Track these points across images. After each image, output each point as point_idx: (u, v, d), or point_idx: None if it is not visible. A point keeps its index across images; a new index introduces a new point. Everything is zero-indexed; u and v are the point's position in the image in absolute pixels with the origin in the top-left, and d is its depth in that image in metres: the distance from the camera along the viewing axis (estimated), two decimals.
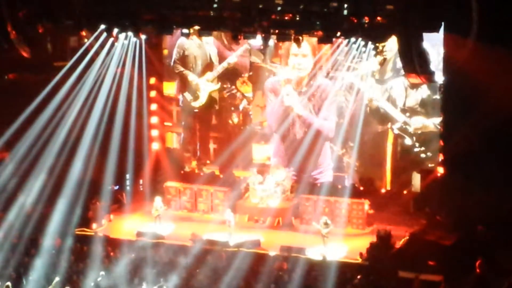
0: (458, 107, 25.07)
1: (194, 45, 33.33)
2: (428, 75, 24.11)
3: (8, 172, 30.04)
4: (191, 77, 33.56)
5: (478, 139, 24.33)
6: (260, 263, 25.42)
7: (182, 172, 33.85)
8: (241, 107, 33.54)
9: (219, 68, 33.25)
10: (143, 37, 30.00)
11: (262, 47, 30.54)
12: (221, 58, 33.17)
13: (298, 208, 30.32)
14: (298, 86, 31.36)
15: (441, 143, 27.17)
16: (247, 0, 26.39)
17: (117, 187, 32.23)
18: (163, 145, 34.41)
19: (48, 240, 27.06)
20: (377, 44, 26.20)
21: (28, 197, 29.42)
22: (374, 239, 26.76)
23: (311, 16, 25.32)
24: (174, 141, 34.81)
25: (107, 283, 23.78)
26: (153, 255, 26.10)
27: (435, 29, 24.10)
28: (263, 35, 26.66)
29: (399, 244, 26.91)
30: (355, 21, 24.79)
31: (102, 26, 28.39)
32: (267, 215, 30.27)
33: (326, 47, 30.14)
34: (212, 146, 34.36)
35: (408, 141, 30.28)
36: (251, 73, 32.92)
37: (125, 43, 30.67)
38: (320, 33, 25.82)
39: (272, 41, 28.68)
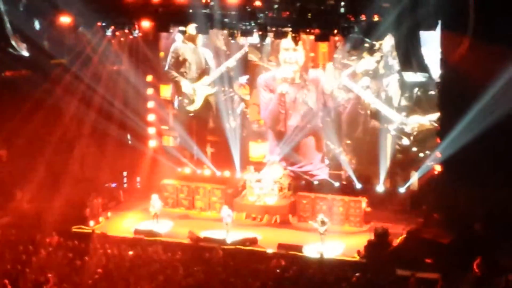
0: (454, 104, 25.07)
1: (189, 50, 33.01)
2: (424, 73, 24.12)
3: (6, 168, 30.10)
4: (185, 84, 33.30)
5: (475, 136, 24.31)
6: (257, 261, 25.40)
7: (179, 169, 33.85)
8: (238, 110, 33.37)
9: (216, 73, 32.97)
10: (140, 34, 29.97)
11: (259, 45, 30.67)
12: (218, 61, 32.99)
13: (295, 205, 30.35)
14: (292, 81, 31.37)
15: (438, 141, 27.19)
16: None
17: (114, 185, 32.27)
18: (160, 142, 34.36)
19: (45, 237, 27.02)
20: (374, 42, 26.22)
21: (25, 194, 29.43)
22: (371, 237, 26.78)
23: (308, 13, 25.33)
24: (170, 141, 34.66)
25: (105, 281, 23.74)
26: (150, 253, 26.08)
27: (432, 27, 24.11)
28: (260, 32, 26.64)
29: (396, 242, 26.92)
30: (352, 19, 24.80)
31: (99, 24, 28.36)
32: (264, 212, 30.33)
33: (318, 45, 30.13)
34: (209, 150, 34.20)
35: (405, 141, 30.23)
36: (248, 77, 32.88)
37: (122, 41, 30.68)
38: (317, 30, 25.82)
39: (269, 39, 28.70)
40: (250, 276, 23.65)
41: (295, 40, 26.77)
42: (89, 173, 30.82)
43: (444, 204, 26.59)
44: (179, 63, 33.33)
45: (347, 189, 30.47)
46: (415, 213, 28.92)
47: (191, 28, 29.22)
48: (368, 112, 30.60)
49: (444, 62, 25.02)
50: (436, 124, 28.53)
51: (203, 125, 34.03)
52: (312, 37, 27.58)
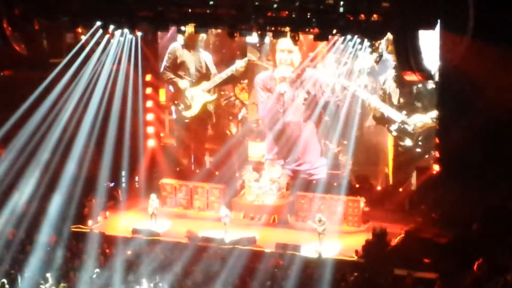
0: (454, 104, 25.07)
1: (188, 52, 32.92)
2: (423, 72, 24.11)
3: (3, 168, 30.02)
4: (182, 84, 33.11)
5: (474, 136, 24.32)
6: (255, 260, 25.42)
7: (177, 169, 33.79)
8: (240, 116, 33.23)
9: (216, 79, 32.73)
10: (139, 34, 29.94)
11: (258, 45, 30.64)
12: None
13: (294, 205, 30.33)
14: (290, 80, 31.35)
15: (437, 140, 27.20)
16: None
17: (112, 184, 32.22)
18: (159, 142, 34.30)
19: (44, 237, 27.02)
20: (373, 42, 26.20)
21: (23, 193, 29.39)
22: (369, 236, 26.78)
23: (307, 13, 25.32)
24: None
25: (103, 280, 23.75)
26: (148, 252, 26.08)
27: (431, 27, 24.10)
28: (259, 32, 26.64)
29: (394, 241, 26.92)
30: (351, 18, 24.80)
31: (98, 23, 28.35)
32: (262, 212, 30.31)
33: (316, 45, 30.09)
34: (208, 159, 34.03)
35: (408, 142, 30.12)
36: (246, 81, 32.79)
37: (121, 40, 30.66)
38: (316, 30, 25.81)
39: (268, 39, 28.69)
40: (248, 276, 23.68)
41: (294, 40, 26.72)
42: (87, 172, 30.74)
43: (443, 204, 26.59)
44: (177, 65, 33.13)
45: (345, 189, 30.40)
46: (413, 213, 28.91)
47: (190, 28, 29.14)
48: (366, 111, 30.58)
49: (444, 62, 25.02)
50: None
51: (201, 132, 33.80)
52: (310, 36, 27.54)
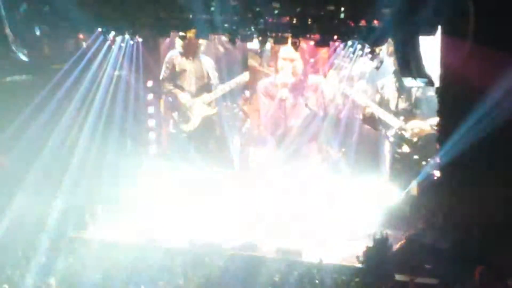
0: (454, 110, 25.04)
1: (187, 60, 32.61)
2: (424, 78, 24.10)
3: (4, 174, 30.09)
4: (183, 98, 32.85)
5: (475, 141, 24.30)
6: (256, 265, 25.40)
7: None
8: (244, 130, 33.20)
9: (218, 91, 32.60)
10: (140, 40, 29.96)
11: (259, 51, 30.67)
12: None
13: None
14: (292, 86, 31.37)
15: (438, 146, 27.17)
16: (244, 3, 26.38)
17: (114, 190, 32.15)
18: (160, 147, 34.25)
19: (45, 242, 27.02)
20: (374, 48, 26.21)
21: (25, 198, 29.41)
22: (370, 242, 26.75)
23: (308, 19, 25.33)
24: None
25: (104, 286, 23.74)
26: (150, 258, 26.07)
27: (432, 32, 24.11)
28: (260, 38, 26.66)
29: (395, 247, 26.91)
30: (352, 24, 24.81)
31: (99, 29, 28.38)
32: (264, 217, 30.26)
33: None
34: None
35: (405, 148, 30.12)
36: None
37: (122, 46, 30.70)
38: (317, 36, 25.83)
39: (269, 45, 28.72)
40: (250, 281, 23.68)
41: (295, 46, 26.75)
42: (89, 177, 30.75)
43: (444, 209, 26.56)
44: (176, 74, 32.84)
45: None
46: (415, 218, 28.87)
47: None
48: (363, 117, 30.58)
49: (444, 67, 25.02)
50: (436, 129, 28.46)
51: (202, 148, 33.47)
52: (311, 42, 27.57)
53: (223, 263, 25.56)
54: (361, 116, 30.58)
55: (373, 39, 25.14)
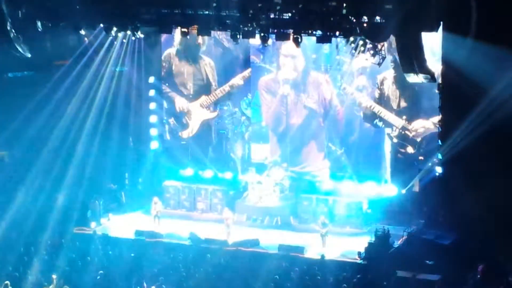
0: (456, 106, 25.03)
1: (186, 60, 32.43)
2: (427, 74, 24.07)
3: (7, 170, 30.13)
4: (180, 102, 32.64)
5: (476, 138, 24.29)
6: (258, 262, 25.42)
7: (181, 171, 33.78)
8: (246, 136, 33.04)
9: (217, 93, 32.33)
10: (142, 36, 29.90)
11: (261, 47, 30.60)
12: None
13: (297, 207, 30.36)
14: (293, 83, 31.35)
15: (440, 142, 27.14)
16: None
17: (116, 186, 32.25)
18: (162, 143, 34.29)
19: (47, 238, 27.04)
20: (376, 44, 26.16)
21: (27, 195, 29.45)
22: (372, 238, 26.77)
23: (310, 15, 25.26)
24: None
25: (106, 282, 23.75)
26: (151, 254, 26.10)
27: (434, 29, 24.07)
28: (262, 34, 26.64)
29: (397, 243, 26.94)
30: (354, 20, 24.77)
31: (101, 25, 28.38)
32: (265, 214, 30.31)
33: (319, 47, 30.07)
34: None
35: (410, 149, 30.02)
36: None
37: (124, 42, 30.71)
38: (319, 32, 25.80)
39: (271, 41, 28.67)
40: (251, 278, 23.68)
41: (297, 42, 26.69)
42: (90, 174, 30.79)
43: (446, 205, 26.57)
44: (172, 75, 32.71)
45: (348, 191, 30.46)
46: (416, 215, 28.88)
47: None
48: (364, 115, 30.55)
49: (446, 64, 25.00)
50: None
51: (201, 157, 33.23)
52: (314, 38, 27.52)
53: (225, 260, 25.56)
54: (361, 114, 30.56)
55: (375, 35, 25.08)
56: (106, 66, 31.06)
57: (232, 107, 32.76)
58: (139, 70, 32.21)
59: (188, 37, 28.05)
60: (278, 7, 25.71)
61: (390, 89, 30.03)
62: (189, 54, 32.40)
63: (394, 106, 30.05)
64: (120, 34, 29.65)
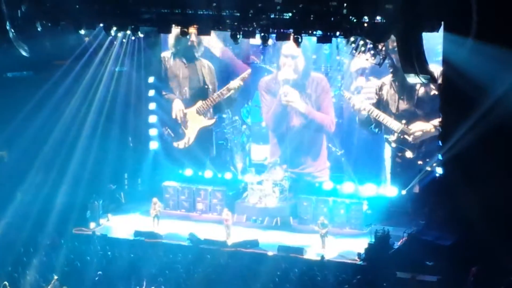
0: (457, 107, 25.00)
1: (181, 63, 32.33)
2: (427, 75, 24.02)
3: (7, 169, 30.09)
4: (176, 106, 32.42)
5: (477, 138, 24.25)
6: (258, 263, 25.38)
7: (180, 171, 33.72)
8: (247, 146, 33.00)
9: (214, 97, 32.11)
10: (141, 36, 29.85)
11: (261, 47, 30.56)
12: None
13: (296, 208, 30.32)
14: (294, 83, 31.28)
15: (440, 143, 27.10)
16: None
17: (115, 186, 32.20)
18: (162, 144, 34.22)
19: (46, 238, 27.00)
20: (377, 44, 26.09)
21: (26, 195, 29.41)
22: (372, 239, 26.72)
23: (311, 15, 25.21)
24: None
25: (105, 283, 23.71)
26: (151, 255, 26.04)
27: (435, 29, 24.03)
28: (262, 34, 26.59)
29: (397, 244, 26.89)
30: (355, 20, 24.72)
31: (101, 25, 28.34)
32: (265, 215, 30.26)
33: (319, 47, 30.00)
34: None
35: (409, 154, 29.95)
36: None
37: (124, 42, 30.65)
38: (319, 32, 25.75)
39: (271, 41, 28.63)
40: (251, 278, 23.64)
41: (297, 42, 26.63)
42: (90, 174, 30.74)
43: (445, 206, 26.51)
44: (167, 79, 32.57)
45: (348, 191, 30.40)
46: (416, 215, 28.83)
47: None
48: (359, 121, 30.48)
49: (447, 64, 24.96)
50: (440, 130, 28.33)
51: (198, 165, 33.20)
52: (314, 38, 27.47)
53: (224, 260, 25.53)
54: (357, 120, 30.53)
55: (375, 35, 25.02)
56: (106, 66, 31.02)
57: (232, 115, 32.57)
58: (138, 70, 32.16)
59: (184, 38, 27.94)
60: (278, 7, 25.66)
61: (389, 94, 29.98)
62: (185, 56, 32.23)
63: (393, 110, 29.97)
64: (120, 34, 29.66)
